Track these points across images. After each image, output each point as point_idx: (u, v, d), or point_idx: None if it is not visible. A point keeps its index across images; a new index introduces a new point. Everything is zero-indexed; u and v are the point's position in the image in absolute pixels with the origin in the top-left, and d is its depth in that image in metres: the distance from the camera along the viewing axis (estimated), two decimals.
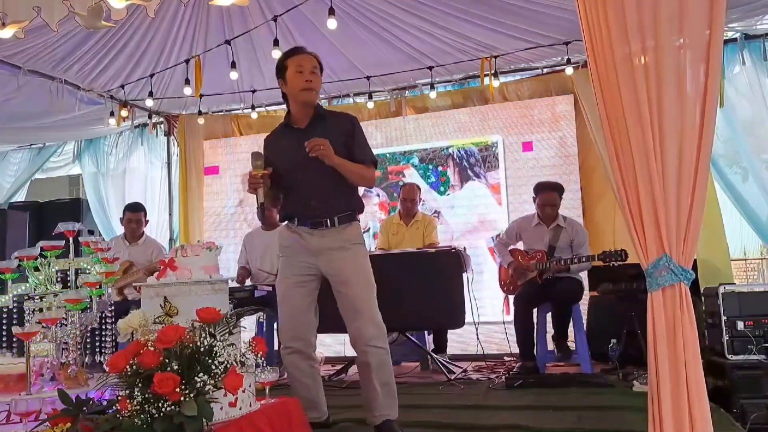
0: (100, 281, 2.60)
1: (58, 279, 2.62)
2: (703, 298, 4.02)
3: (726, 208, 5.16)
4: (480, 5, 4.74)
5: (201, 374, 1.84)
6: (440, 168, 6.11)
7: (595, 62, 2.24)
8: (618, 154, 2.20)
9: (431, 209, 6.08)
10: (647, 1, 2.17)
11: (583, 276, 4.79)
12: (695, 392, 2.05)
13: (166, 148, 7.09)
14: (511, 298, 4.71)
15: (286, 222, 2.96)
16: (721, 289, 3.62)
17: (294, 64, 2.87)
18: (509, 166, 5.98)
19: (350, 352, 5.47)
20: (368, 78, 5.94)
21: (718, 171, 5.18)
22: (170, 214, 6.98)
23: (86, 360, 2.53)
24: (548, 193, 4.70)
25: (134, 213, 5.36)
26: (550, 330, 4.84)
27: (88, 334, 2.59)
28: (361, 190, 3.10)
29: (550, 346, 4.93)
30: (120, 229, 5.61)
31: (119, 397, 1.85)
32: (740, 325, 3.52)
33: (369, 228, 6.18)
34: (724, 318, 3.56)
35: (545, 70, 5.96)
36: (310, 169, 2.80)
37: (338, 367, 4.92)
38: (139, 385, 1.81)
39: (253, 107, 6.36)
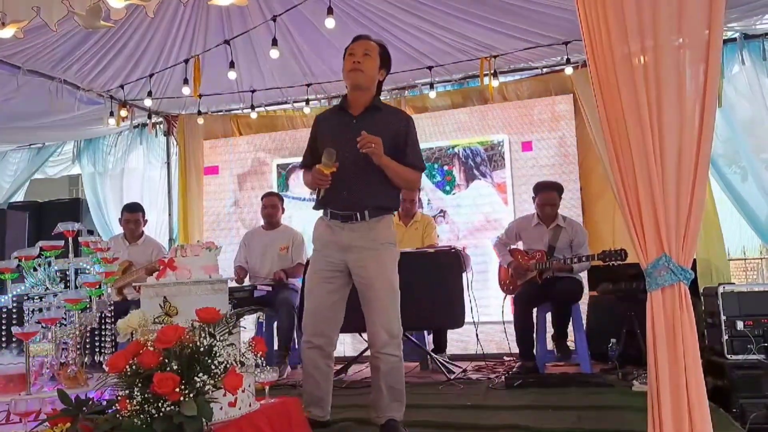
0: (100, 281, 2.60)
1: (60, 279, 2.62)
2: (702, 297, 4.02)
3: (725, 207, 5.16)
4: (480, 5, 4.74)
5: (201, 374, 1.85)
6: (446, 167, 6.09)
7: (594, 62, 2.25)
8: (617, 153, 2.20)
9: (437, 208, 6.07)
10: (646, 1, 2.17)
11: (583, 276, 4.79)
12: (695, 392, 2.05)
13: (166, 148, 7.09)
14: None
15: (321, 214, 2.92)
16: (721, 289, 3.62)
17: (348, 50, 2.87)
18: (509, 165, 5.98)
19: (350, 352, 5.52)
20: None
21: (717, 171, 5.18)
22: (170, 214, 6.97)
23: (86, 360, 2.53)
24: (547, 192, 4.71)
25: (132, 213, 5.35)
26: (549, 330, 4.84)
27: (88, 334, 2.59)
28: None
29: (550, 345, 4.93)
30: (119, 229, 5.60)
31: (119, 397, 1.86)
32: (740, 324, 3.52)
33: None
34: (723, 318, 3.56)
35: (545, 70, 5.95)
36: (354, 158, 2.75)
37: (338, 367, 4.92)
38: (139, 385, 1.81)
39: (252, 107, 6.36)
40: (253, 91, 6.19)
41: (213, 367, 1.88)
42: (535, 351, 4.51)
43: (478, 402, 3.61)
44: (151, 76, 5.61)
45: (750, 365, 3.40)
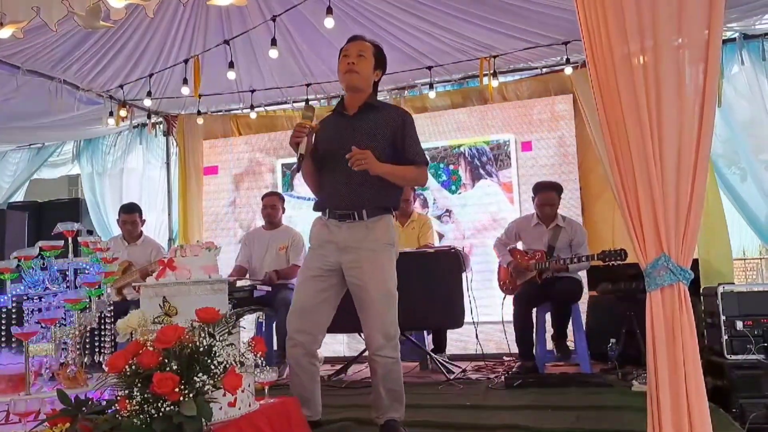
0: (99, 281, 2.60)
1: (61, 279, 2.62)
2: (702, 297, 4.02)
3: (725, 208, 5.16)
4: (479, 5, 4.74)
5: (200, 374, 1.84)
6: (451, 167, 6.09)
7: (594, 62, 2.24)
8: (617, 153, 2.20)
9: (443, 208, 6.07)
10: (646, 1, 2.17)
11: (583, 276, 4.79)
12: (694, 392, 2.05)
13: (165, 148, 7.08)
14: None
15: (319, 214, 2.91)
16: (720, 289, 3.61)
17: (343, 51, 2.87)
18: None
19: (350, 352, 5.53)
20: None
21: (717, 171, 5.17)
22: (169, 215, 6.97)
23: (85, 360, 2.53)
24: (547, 192, 4.71)
25: (128, 214, 5.35)
26: (549, 330, 4.84)
27: (87, 334, 2.59)
28: None
29: (550, 345, 4.93)
30: (118, 230, 5.60)
31: (118, 397, 1.85)
32: (739, 324, 3.52)
33: None
34: (723, 318, 3.55)
35: (544, 70, 5.95)
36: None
37: (338, 367, 4.92)
38: (138, 385, 1.81)
39: (252, 107, 6.36)
40: (252, 91, 6.19)
41: (212, 367, 1.88)
42: (534, 351, 4.50)
43: (478, 402, 3.61)
44: (150, 76, 5.60)
45: (750, 365, 3.40)
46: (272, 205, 5.37)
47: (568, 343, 4.90)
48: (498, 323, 5.08)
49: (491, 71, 5.53)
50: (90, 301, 2.58)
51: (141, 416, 1.77)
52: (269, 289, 4.97)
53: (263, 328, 5.09)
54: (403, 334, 4.77)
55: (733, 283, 3.83)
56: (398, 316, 2.81)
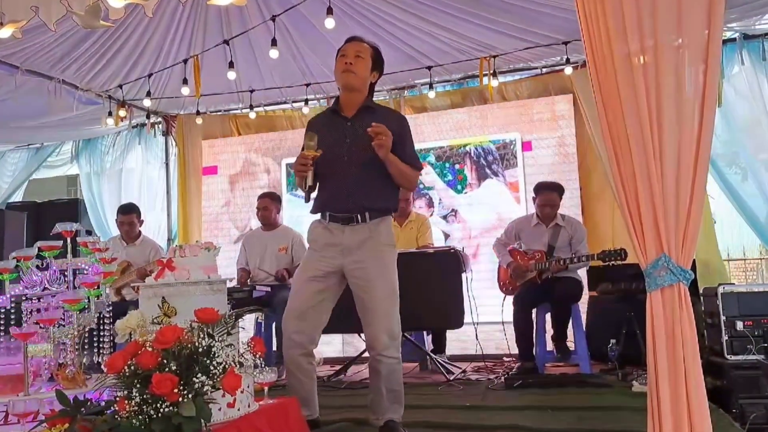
0: (98, 281, 2.60)
1: (61, 279, 2.61)
2: (702, 298, 4.02)
3: (725, 208, 5.16)
4: (479, 5, 4.74)
5: (199, 375, 1.84)
6: (457, 166, 6.07)
7: (593, 62, 2.24)
8: (617, 153, 2.20)
9: (448, 207, 6.06)
10: (646, 1, 2.17)
11: (582, 276, 4.78)
12: (694, 392, 2.04)
13: (165, 148, 7.08)
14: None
15: (318, 217, 2.89)
16: (721, 289, 3.61)
17: (341, 51, 2.85)
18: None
19: (350, 352, 5.52)
20: None
21: (716, 171, 5.18)
22: (168, 215, 6.97)
23: (84, 360, 2.52)
24: (548, 193, 4.70)
25: (126, 215, 5.34)
26: (549, 330, 4.83)
27: (86, 335, 2.58)
28: None
29: (549, 346, 4.92)
30: (117, 230, 5.60)
31: (117, 398, 1.85)
32: (739, 325, 3.51)
33: None
34: (723, 318, 3.55)
35: (544, 70, 5.96)
36: (350, 159, 2.73)
37: (338, 367, 4.92)
38: (137, 385, 1.80)
39: (251, 107, 6.35)
40: (252, 91, 6.19)
41: (212, 367, 1.88)
42: (534, 351, 4.50)
43: (478, 403, 3.60)
44: (149, 76, 5.60)
45: (750, 365, 3.39)
46: (265, 207, 5.32)
47: (568, 344, 4.89)
48: (498, 323, 5.07)
49: (491, 71, 5.53)
50: (89, 301, 2.57)
51: (140, 417, 1.76)
52: (268, 289, 4.97)
53: (262, 329, 5.09)
54: (402, 335, 4.78)
55: (734, 284, 3.83)
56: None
